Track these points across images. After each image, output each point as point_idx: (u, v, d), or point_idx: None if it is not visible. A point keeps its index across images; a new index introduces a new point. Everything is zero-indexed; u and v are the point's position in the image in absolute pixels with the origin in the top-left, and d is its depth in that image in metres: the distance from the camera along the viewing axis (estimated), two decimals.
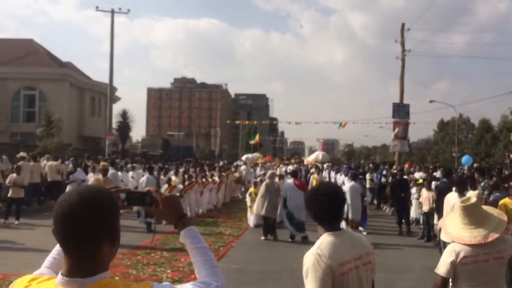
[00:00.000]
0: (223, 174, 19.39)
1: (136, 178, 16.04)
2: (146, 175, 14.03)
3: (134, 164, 20.23)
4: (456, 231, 3.16)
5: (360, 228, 11.86)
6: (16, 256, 8.77)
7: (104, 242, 1.37)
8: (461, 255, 3.04)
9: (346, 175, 21.55)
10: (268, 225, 11.73)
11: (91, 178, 13.18)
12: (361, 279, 2.46)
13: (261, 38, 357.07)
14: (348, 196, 11.22)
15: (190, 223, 1.73)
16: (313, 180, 17.08)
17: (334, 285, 2.37)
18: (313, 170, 21.95)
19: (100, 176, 12.58)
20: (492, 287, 3.06)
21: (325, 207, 2.53)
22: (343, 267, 2.39)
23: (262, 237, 11.55)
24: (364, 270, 2.48)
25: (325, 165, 25.70)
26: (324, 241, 2.49)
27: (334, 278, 2.37)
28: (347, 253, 2.44)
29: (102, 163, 14.14)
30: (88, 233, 1.33)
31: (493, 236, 3.01)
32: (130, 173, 17.45)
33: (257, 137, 50.83)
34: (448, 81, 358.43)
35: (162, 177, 15.00)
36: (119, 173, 16.11)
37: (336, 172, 23.40)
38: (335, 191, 2.64)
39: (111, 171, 14.10)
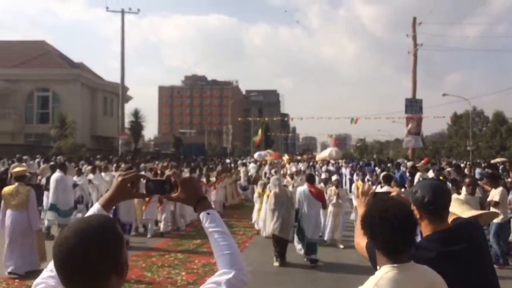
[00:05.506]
0: (225, 174, 17.36)
1: (109, 180, 12.94)
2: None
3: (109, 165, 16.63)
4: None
5: None
6: None
7: (111, 276, 1.31)
8: None
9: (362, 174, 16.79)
10: (280, 247, 9.01)
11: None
12: None
13: (270, 33, 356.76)
14: None
15: (210, 206, 1.68)
16: (356, 188, 13.05)
17: None
18: (356, 177, 17.09)
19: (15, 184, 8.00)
20: None
21: (398, 234, 1.94)
22: None
23: (276, 263, 8.97)
24: None
25: (340, 161, 24.83)
26: (385, 275, 1.94)
27: None
28: None
29: (16, 169, 9.09)
30: (92, 273, 1.27)
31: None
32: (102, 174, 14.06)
33: (259, 133, 48.05)
34: (461, 74, 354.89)
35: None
36: (91, 175, 13.46)
37: (362, 175, 17.58)
38: (409, 213, 2.04)
39: (57, 174, 11.22)
